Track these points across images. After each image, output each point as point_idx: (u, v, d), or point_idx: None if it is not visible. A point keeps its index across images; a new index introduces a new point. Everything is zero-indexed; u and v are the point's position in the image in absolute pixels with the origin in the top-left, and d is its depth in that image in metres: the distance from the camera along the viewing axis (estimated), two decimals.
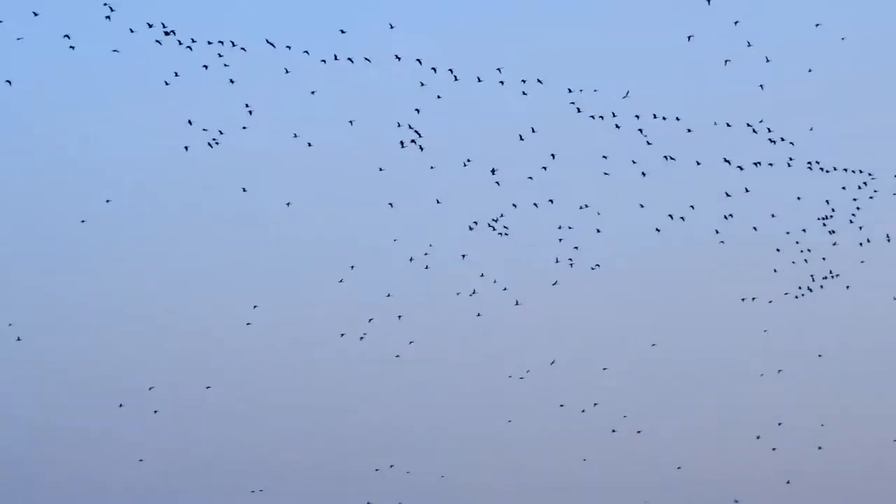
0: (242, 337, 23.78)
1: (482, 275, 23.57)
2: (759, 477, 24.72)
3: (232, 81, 20.86)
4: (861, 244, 23.69)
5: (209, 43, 20.73)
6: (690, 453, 24.69)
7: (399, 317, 23.70)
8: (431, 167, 22.77)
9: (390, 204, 22.84)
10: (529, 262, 24.15)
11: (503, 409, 24.47)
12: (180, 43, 20.45)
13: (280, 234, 23.92)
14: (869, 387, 24.78)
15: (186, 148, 21.60)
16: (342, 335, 23.95)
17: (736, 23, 21.50)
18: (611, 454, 24.61)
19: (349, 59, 21.43)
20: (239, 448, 24.12)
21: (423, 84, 21.52)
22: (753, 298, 24.23)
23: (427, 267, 23.74)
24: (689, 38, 22.17)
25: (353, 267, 23.89)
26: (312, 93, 21.64)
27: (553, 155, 22.99)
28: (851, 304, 24.36)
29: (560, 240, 23.40)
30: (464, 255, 23.98)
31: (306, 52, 21.38)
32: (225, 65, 20.91)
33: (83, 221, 23.56)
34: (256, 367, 24.17)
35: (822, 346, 24.55)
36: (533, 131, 22.45)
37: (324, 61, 21.39)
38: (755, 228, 23.57)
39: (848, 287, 23.96)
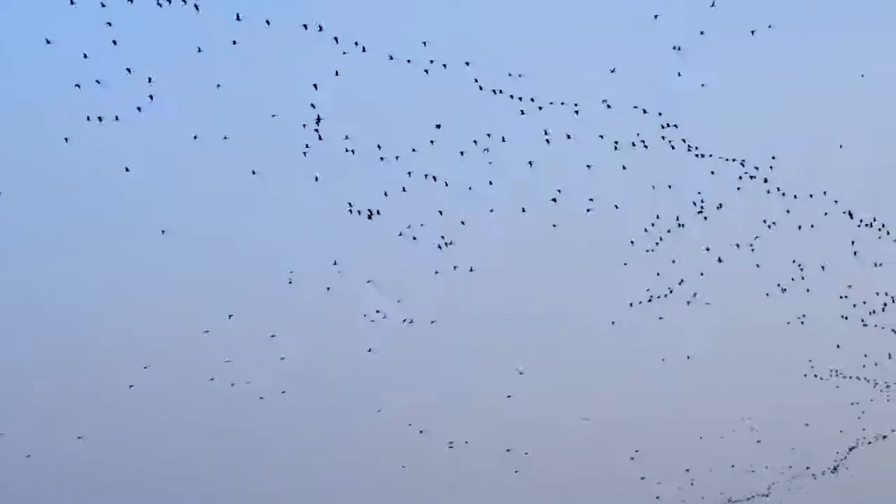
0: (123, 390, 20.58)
1: (379, 313, 21.43)
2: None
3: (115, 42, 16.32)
4: (707, 249, 23.03)
5: None
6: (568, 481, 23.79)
7: (282, 358, 21.00)
8: (353, 151, 20.24)
9: (253, 171, 19.82)
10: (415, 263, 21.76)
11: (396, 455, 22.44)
12: None
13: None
14: (721, 412, 24.55)
15: (67, 139, 18.14)
16: (212, 379, 20.72)
17: (656, 16, 20.91)
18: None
19: (236, 14, 18.72)
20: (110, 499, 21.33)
21: (345, 53, 19.32)
22: (641, 301, 22.94)
23: (329, 289, 21.00)
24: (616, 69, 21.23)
25: (231, 315, 20.84)
26: (216, 86, 18.80)
27: (462, 153, 21.05)
28: (699, 311, 23.72)
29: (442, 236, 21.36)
30: (369, 281, 21.31)
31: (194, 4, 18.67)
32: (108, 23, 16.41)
33: None
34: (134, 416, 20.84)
35: (693, 352, 23.93)
36: (439, 127, 20.61)
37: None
38: (616, 206, 22.30)
39: (695, 295, 23.37)
